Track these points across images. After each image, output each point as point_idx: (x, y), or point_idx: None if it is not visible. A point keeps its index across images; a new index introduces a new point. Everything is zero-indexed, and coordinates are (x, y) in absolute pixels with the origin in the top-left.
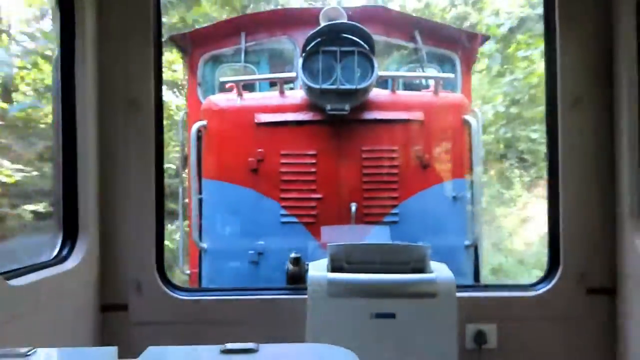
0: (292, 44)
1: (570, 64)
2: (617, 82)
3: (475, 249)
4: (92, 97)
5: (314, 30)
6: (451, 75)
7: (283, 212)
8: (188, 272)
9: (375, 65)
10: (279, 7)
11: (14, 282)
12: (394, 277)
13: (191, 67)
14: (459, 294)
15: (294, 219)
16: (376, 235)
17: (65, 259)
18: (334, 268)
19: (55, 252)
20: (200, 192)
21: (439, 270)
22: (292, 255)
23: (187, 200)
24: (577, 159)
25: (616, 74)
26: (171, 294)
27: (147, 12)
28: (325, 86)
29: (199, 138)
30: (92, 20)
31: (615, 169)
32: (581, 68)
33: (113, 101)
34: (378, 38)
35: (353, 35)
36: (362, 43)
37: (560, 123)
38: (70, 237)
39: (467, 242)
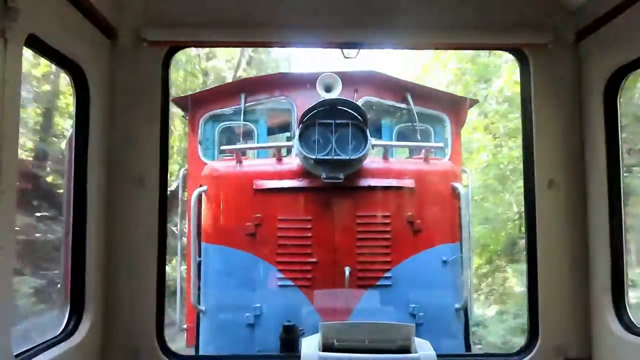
0: (289, 103)
1: (544, 149)
2: (588, 167)
3: (465, 311)
4: (103, 174)
5: (311, 106)
6: (440, 144)
7: (279, 275)
8: (185, 326)
9: (368, 136)
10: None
11: None
12: (381, 357)
13: (192, 126)
14: None
15: (290, 282)
16: (366, 300)
17: (72, 332)
18: (325, 346)
19: (62, 327)
20: (199, 255)
21: (423, 348)
22: (285, 323)
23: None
24: (554, 236)
25: (587, 160)
26: None
27: (155, 97)
28: (320, 156)
29: (199, 202)
30: (105, 102)
31: (588, 248)
32: (555, 153)
33: (120, 178)
34: (372, 99)
35: (347, 108)
36: (356, 115)
37: (537, 203)
38: (76, 311)
39: (457, 305)
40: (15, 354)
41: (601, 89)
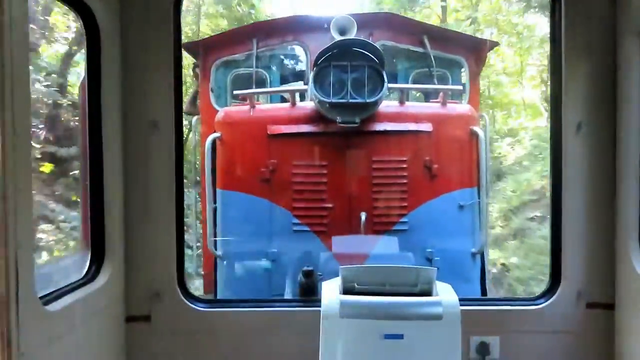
0: (302, 49)
1: (574, 92)
2: (619, 111)
3: (481, 255)
4: (117, 119)
5: (326, 47)
6: (459, 87)
7: (295, 220)
8: (202, 272)
9: (385, 79)
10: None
11: (51, 307)
12: (402, 300)
13: (204, 73)
14: (464, 307)
15: (306, 228)
16: (384, 245)
17: (94, 277)
18: (345, 289)
19: (85, 271)
20: (214, 202)
21: (445, 293)
22: (305, 268)
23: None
24: (580, 181)
25: (619, 103)
26: (190, 305)
27: (167, 40)
28: (335, 100)
29: (213, 149)
30: (117, 47)
31: (615, 192)
32: (585, 96)
33: (135, 123)
34: (387, 43)
35: (363, 50)
36: (373, 57)
37: (564, 147)
38: (97, 255)
39: (473, 250)
40: (39, 296)
41: (638, 27)
